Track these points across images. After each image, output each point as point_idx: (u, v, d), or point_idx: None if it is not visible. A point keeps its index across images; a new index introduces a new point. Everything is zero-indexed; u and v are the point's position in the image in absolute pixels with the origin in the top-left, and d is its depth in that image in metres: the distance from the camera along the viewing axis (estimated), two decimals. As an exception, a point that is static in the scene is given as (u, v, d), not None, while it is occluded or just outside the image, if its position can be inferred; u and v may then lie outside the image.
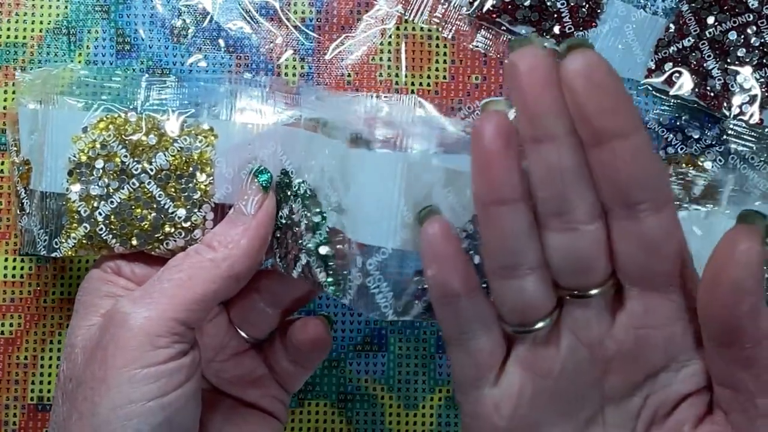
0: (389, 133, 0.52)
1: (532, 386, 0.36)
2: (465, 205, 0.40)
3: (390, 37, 0.57)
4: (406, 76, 0.56)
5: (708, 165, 0.54)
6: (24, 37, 0.56)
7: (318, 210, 0.42)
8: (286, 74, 0.56)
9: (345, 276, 0.41)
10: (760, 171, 0.54)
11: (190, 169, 0.45)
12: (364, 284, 0.41)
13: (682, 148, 0.55)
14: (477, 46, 0.56)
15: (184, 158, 0.45)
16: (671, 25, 0.54)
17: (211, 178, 0.45)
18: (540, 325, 0.35)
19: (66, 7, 0.56)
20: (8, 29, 0.56)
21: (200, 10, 0.56)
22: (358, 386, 0.56)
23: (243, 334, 0.48)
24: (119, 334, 0.39)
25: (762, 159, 0.54)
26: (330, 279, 0.42)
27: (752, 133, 0.54)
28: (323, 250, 0.42)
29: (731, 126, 0.54)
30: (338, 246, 0.41)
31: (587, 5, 0.55)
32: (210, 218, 0.45)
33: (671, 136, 0.55)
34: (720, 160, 0.54)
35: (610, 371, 0.35)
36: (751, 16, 0.54)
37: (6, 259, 0.55)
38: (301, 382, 0.50)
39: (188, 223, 0.45)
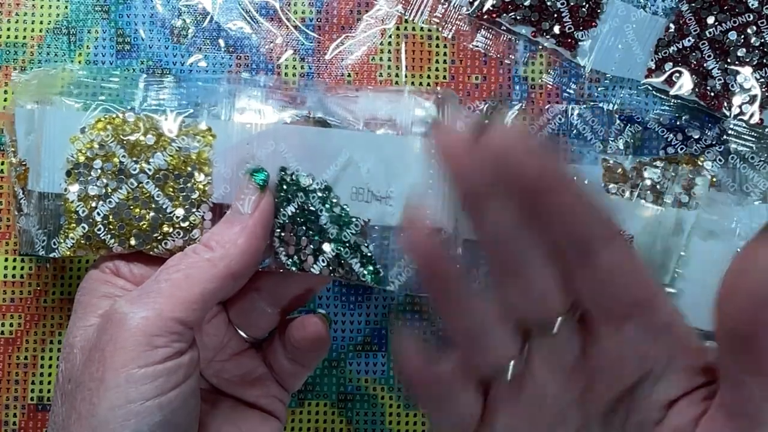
0: (390, 132, 0.53)
1: (512, 422, 0.36)
2: None
3: (390, 37, 0.57)
4: (406, 76, 0.56)
5: (708, 165, 0.54)
6: (24, 38, 0.56)
7: (337, 202, 0.43)
8: (286, 74, 0.56)
9: (390, 263, 0.43)
10: (760, 171, 0.54)
11: (189, 169, 0.45)
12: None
13: (682, 148, 0.55)
14: (477, 46, 0.56)
15: (182, 158, 0.45)
16: (671, 25, 0.54)
17: (210, 177, 0.45)
18: (511, 365, 0.35)
19: (66, 7, 0.56)
20: (8, 29, 0.56)
21: (200, 10, 0.56)
22: (358, 386, 0.56)
23: (242, 333, 0.48)
24: (117, 334, 0.39)
25: (762, 159, 0.54)
26: (369, 268, 0.43)
27: (752, 133, 0.54)
28: (360, 240, 0.43)
29: (731, 126, 0.54)
30: (381, 234, 0.43)
31: (587, 5, 0.55)
32: (208, 218, 0.45)
33: (671, 136, 0.55)
34: (720, 160, 0.54)
35: (588, 391, 0.35)
36: (751, 16, 0.54)
37: (6, 259, 0.55)
38: (301, 381, 0.50)
39: (186, 223, 0.45)
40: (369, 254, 0.43)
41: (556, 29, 0.55)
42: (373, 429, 0.55)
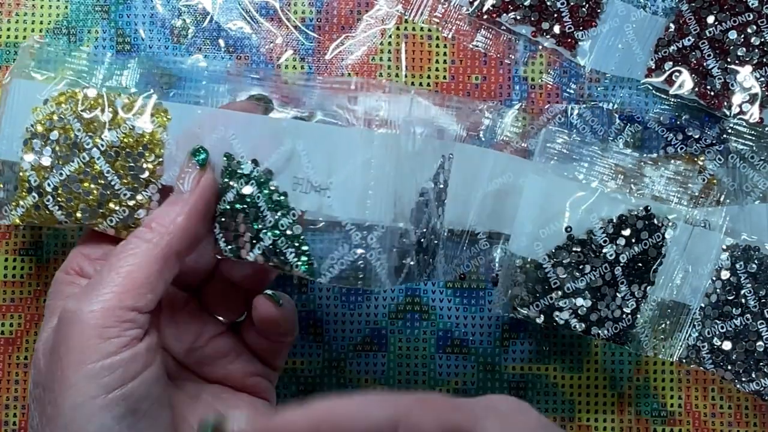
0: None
1: None
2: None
3: (390, 37, 0.57)
4: (406, 76, 0.56)
5: (708, 164, 0.54)
6: (24, 37, 0.56)
7: (276, 190, 0.44)
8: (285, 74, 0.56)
9: (324, 255, 0.44)
10: (760, 170, 0.54)
11: (140, 148, 0.45)
12: (365, 258, 0.44)
13: (682, 148, 0.55)
14: (477, 46, 0.56)
15: (135, 137, 0.45)
16: (671, 25, 0.54)
17: (161, 159, 0.46)
18: None
19: (66, 7, 0.56)
20: (8, 29, 0.56)
21: (200, 10, 0.56)
22: (358, 386, 0.56)
23: (218, 317, 0.48)
24: (69, 332, 0.39)
25: (762, 158, 0.54)
26: (304, 259, 0.44)
27: (752, 132, 0.54)
28: (297, 230, 0.44)
29: (731, 125, 0.54)
30: (318, 225, 0.44)
31: (587, 5, 0.55)
32: (156, 199, 0.46)
33: (671, 135, 0.55)
34: (720, 159, 0.54)
35: None
36: (751, 16, 0.54)
37: (6, 259, 0.55)
38: (284, 358, 0.50)
39: (133, 202, 0.45)
40: (304, 245, 0.44)
41: (556, 29, 0.55)
42: (374, 429, 0.55)
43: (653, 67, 0.55)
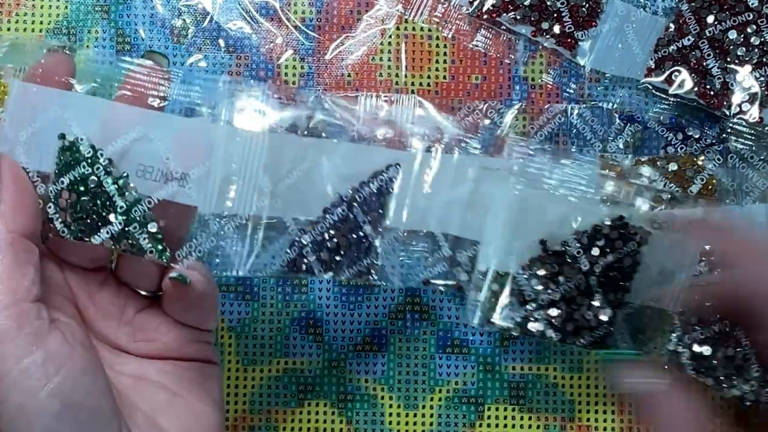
0: (389, 133, 0.53)
1: None
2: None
3: (390, 37, 0.57)
4: (406, 76, 0.56)
5: (708, 164, 0.54)
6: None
7: (122, 176, 0.44)
8: (286, 74, 0.56)
9: (181, 240, 0.45)
10: (760, 170, 0.54)
11: None
12: (218, 245, 0.47)
13: (682, 148, 0.55)
14: (477, 46, 0.56)
15: None
16: (671, 25, 0.54)
17: None
18: None
19: (66, 7, 0.56)
20: (8, 29, 0.56)
21: (200, 10, 0.56)
22: (358, 386, 0.56)
23: (138, 290, 0.47)
24: None
25: (762, 158, 0.54)
26: (159, 246, 0.44)
27: (752, 132, 0.54)
28: (149, 217, 0.44)
29: (731, 125, 0.54)
30: (172, 211, 0.45)
31: (587, 5, 0.55)
32: None
33: (671, 135, 0.55)
34: (719, 159, 0.54)
35: None
36: (751, 15, 0.54)
37: (6, 259, 0.55)
38: (214, 318, 0.48)
39: None
40: (158, 232, 0.44)
41: (556, 29, 0.55)
42: (373, 429, 0.55)
43: (653, 67, 0.55)
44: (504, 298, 0.49)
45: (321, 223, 0.49)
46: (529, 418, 0.56)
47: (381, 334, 0.56)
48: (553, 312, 0.49)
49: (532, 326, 0.49)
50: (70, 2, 0.56)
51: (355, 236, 0.49)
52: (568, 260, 0.49)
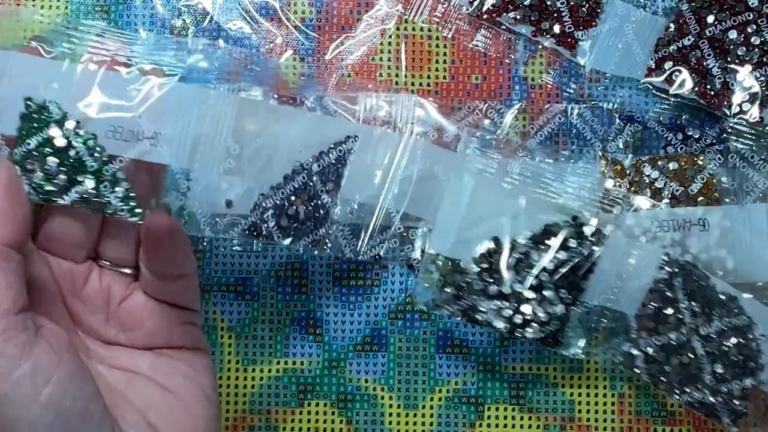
0: (389, 132, 0.53)
1: None
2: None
3: (390, 37, 0.57)
4: (406, 76, 0.56)
5: (708, 164, 0.54)
6: (24, 37, 0.56)
7: (90, 136, 0.45)
8: (285, 74, 0.56)
9: (149, 199, 0.46)
10: (760, 170, 0.54)
11: None
12: (184, 206, 0.49)
13: (682, 148, 0.55)
14: (477, 46, 0.56)
15: None
16: (671, 25, 0.54)
17: None
18: None
19: (66, 7, 0.56)
20: (8, 29, 0.56)
21: (200, 10, 0.56)
22: (358, 386, 0.56)
23: (121, 269, 0.47)
24: None
25: (762, 158, 0.54)
26: (130, 204, 0.45)
27: (752, 132, 0.54)
28: (119, 176, 0.45)
29: (731, 125, 0.54)
30: (143, 170, 0.46)
31: (587, 5, 0.55)
32: None
33: (671, 135, 0.55)
34: (719, 159, 0.54)
35: None
36: (751, 15, 0.54)
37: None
38: (196, 294, 0.48)
39: None
40: (128, 191, 0.45)
41: (556, 29, 0.55)
42: (373, 429, 0.55)
43: (653, 67, 0.55)
44: (451, 285, 0.50)
45: (282, 189, 0.49)
46: (529, 418, 0.56)
47: (381, 334, 0.56)
48: (503, 304, 0.49)
49: (480, 315, 0.49)
50: (70, 2, 0.56)
51: (312, 205, 0.50)
52: (519, 256, 0.49)
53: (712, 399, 0.49)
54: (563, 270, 0.49)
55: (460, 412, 0.56)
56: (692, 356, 0.49)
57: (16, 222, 0.40)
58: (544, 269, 0.49)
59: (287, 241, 0.50)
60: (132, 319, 0.46)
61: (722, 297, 0.50)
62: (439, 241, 0.51)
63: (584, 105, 0.56)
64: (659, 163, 0.54)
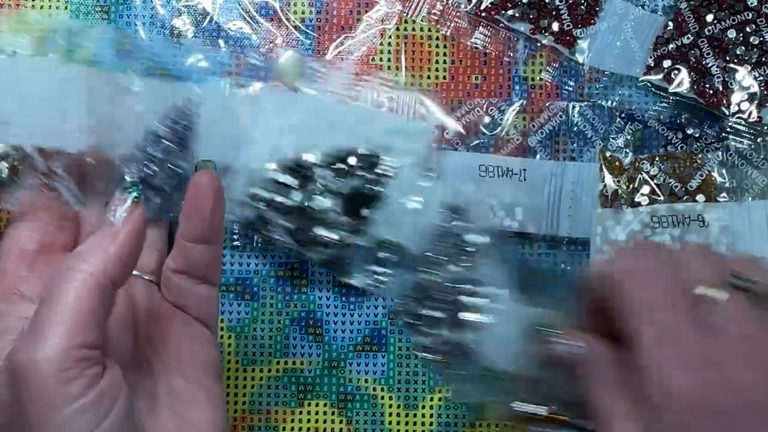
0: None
1: None
2: None
3: (390, 37, 0.57)
4: (405, 77, 0.56)
5: (707, 162, 0.54)
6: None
7: None
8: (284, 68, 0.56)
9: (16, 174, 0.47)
10: (760, 168, 0.54)
11: None
12: (45, 183, 0.48)
13: (682, 146, 0.55)
14: (476, 43, 0.56)
15: None
16: (670, 23, 0.54)
17: None
18: None
19: (66, 8, 0.56)
20: (9, 30, 0.56)
21: (200, 10, 0.56)
22: (358, 386, 0.55)
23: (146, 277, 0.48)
24: (28, 385, 0.37)
25: (761, 156, 0.54)
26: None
27: (751, 131, 0.54)
28: None
29: (731, 124, 0.54)
30: None
31: (586, 3, 0.55)
32: None
33: (671, 134, 0.55)
34: (719, 157, 0.54)
35: None
36: (750, 15, 0.54)
37: (6, 259, 0.55)
38: (219, 267, 0.48)
39: None
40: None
41: (555, 27, 0.55)
42: (373, 429, 0.55)
43: (652, 65, 0.55)
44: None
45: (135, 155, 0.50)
46: (530, 418, 0.56)
47: (381, 334, 0.56)
48: (288, 222, 0.50)
49: (270, 230, 0.51)
50: (70, 2, 0.56)
51: (165, 169, 0.50)
52: (310, 174, 0.51)
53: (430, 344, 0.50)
54: (350, 196, 0.51)
55: (460, 412, 0.55)
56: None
57: (126, 263, 0.41)
58: (329, 190, 0.50)
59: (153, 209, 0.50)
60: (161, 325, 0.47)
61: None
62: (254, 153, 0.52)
63: (585, 103, 0.56)
64: (657, 159, 0.54)
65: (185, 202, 0.45)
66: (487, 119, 0.55)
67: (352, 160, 0.51)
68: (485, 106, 0.56)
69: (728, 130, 0.54)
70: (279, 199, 0.51)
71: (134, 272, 0.46)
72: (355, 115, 0.53)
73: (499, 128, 0.55)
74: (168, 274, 0.47)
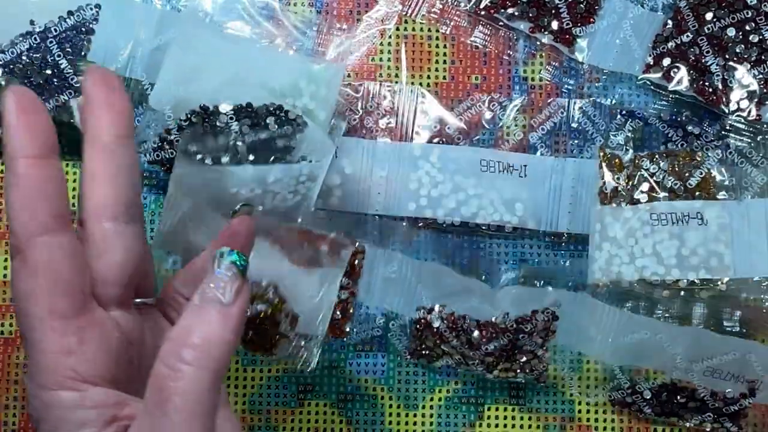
0: (391, 123, 0.53)
1: None
2: None
3: (390, 37, 0.57)
4: (406, 77, 0.56)
5: (707, 159, 0.54)
6: (25, 38, 0.56)
7: None
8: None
9: None
10: (759, 166, 0.54)
11: None
12: None
13: (682, 144, 0.55)
14: (475, 42, 0.57)
15: None
16: (669, 21, 0.55)
17: None
18: None
19: (67, 7, 0.56)
20: (10, 30, 0.56)
21: (200, 10, 0.56)
22: (358, 386, 0.55)
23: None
24: None
25: (761, 155, 0.54)
26: None
27: (750, 129, 0.54)
28: None
29: (730, 122, 0.54)
30: None
31: (585, 1, 0.55)
32: None
33: (672, 131, 0.55)
34: (718, 155, 0.54)
35: None
36: (750, 13, 0.54)
37: (6, 259, 0.55)
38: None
39: None
40: None
41: (554, 25, 0.55)
42: (373, 429, 0.55)
43: (651, 63, 0.55)
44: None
45: (12, 49, 0.51)
46: (529, 418, 0.55)
47: (381, 334, 0.56)
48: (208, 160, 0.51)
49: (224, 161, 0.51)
50: (71, 2, 0.56)
51: (49, 71, 0.51)
52: (219, 124, 0.51)
53: None
54: (261, 147, 0.51)
55: (460, 412, 0.55)
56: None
57: (232, 351, 0.36)
58: (242, 140, 0.51)
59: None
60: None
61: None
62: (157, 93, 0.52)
63: (586, 100, 0.56)
64: (657, 157, 0.54)
65: (221, 235, 0.42)
66: (488, 115, 0.56)
67: (271, 116, 0.51)
68: (487, 101, 0.56)
69: (728, 128, 0.54)
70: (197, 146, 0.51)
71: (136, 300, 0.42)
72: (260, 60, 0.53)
73: (501, 124, 0.55)
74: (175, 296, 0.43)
